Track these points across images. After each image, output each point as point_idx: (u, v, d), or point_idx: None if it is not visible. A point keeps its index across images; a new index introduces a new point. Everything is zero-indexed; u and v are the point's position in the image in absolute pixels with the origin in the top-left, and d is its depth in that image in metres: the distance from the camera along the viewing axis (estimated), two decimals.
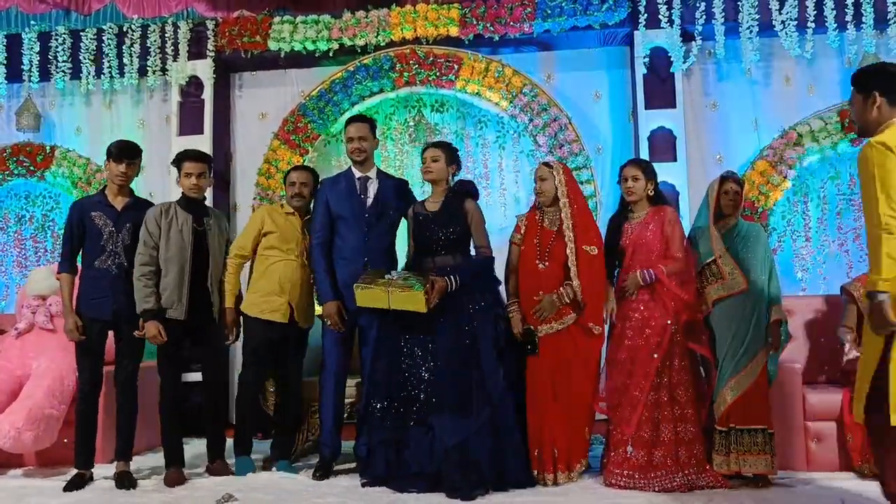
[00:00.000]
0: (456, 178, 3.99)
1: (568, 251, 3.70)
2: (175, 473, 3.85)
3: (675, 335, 3.61)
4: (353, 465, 3.97)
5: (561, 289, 3.67)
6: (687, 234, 3.91)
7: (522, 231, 3.85)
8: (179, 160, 3.98)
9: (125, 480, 3.78)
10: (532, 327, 3.69)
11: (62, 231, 6.05)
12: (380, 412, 3.69)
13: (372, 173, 4.02)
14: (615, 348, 3.72)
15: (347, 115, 5.61)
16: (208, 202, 4.33)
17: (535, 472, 3.62)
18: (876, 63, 3.39)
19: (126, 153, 3.90)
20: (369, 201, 3.95)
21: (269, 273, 3.90)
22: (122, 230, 3.87)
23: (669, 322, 3.61)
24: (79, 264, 3.97)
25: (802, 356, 4.30)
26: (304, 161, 5.60)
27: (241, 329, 4.06)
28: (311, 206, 4.10)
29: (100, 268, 3.84)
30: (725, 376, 3.62)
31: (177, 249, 3.84)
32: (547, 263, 3.75)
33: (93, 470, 3.89)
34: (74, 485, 3.76)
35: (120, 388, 3.89)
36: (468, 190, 3.97)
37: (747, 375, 3.59)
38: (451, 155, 3.94)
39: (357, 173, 3.99)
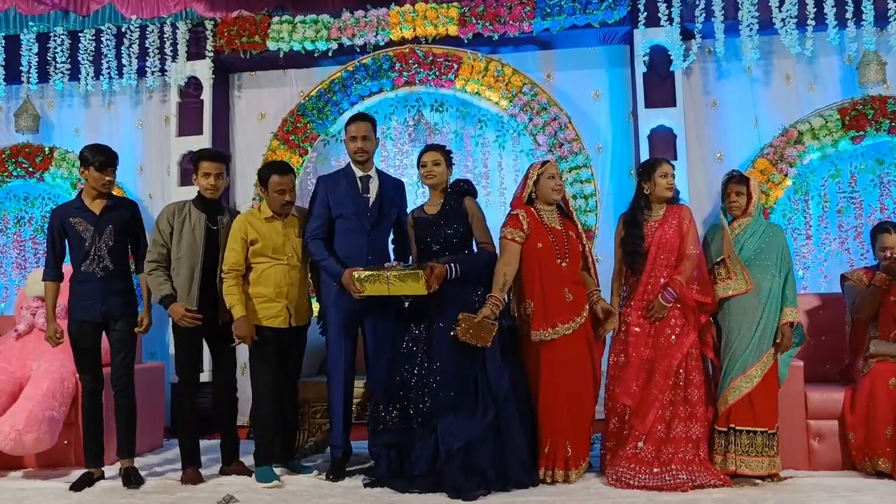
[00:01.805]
0: (451, 179, 3.99)
1: (587, 251, 3.85)
2: (193, 473, 3.85)
3: (694, 338, 3.66)
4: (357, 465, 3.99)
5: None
6: (702, 232, 3.96)
7: (525, 228, 3.77)
8: (197, 159, 3.96)
9: (132, 477, 3.77)
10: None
11: None
12: (382, 413, 3.69)
13: (372, 172, 4.00)
14: (641, 347, 3.70)
15: (347, 115, 5.63)
16: None
17: (543, 470, 3.62)
18: None
19: (112, 161, 3.89)
20: (371, 200, 3.93)
21: (263, 280, 3.81)
22: (104, 233, 3.85)
23: (692, 325, 3.66)
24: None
25: (804, 354, 4.29)
26: (303, 161, 5.60)
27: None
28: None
29: (86, 272, 3.84)
30: (729, 377, 3.62)
31: (188, 249, 3.83)
32: (567, 262, 3.75)
33: (103, 468, 3.91)
34: (83, 483, 3.76)
35: (118, 387, 3.88)
36: (466, 189, 3.95)
37: (750, 377, 3.58)
38: (450, 158, 3.96)
39: (358, 172, 3.97)
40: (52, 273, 3.90)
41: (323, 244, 3.86)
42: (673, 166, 3.90)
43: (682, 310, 3.68)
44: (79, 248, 3.84)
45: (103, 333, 3.92)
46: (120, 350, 3.88)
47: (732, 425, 3.58)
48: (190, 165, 5.71)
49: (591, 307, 3.78)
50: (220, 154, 4.08)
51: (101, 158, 3.85)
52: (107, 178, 3.86)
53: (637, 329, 3.71)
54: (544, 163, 3.94)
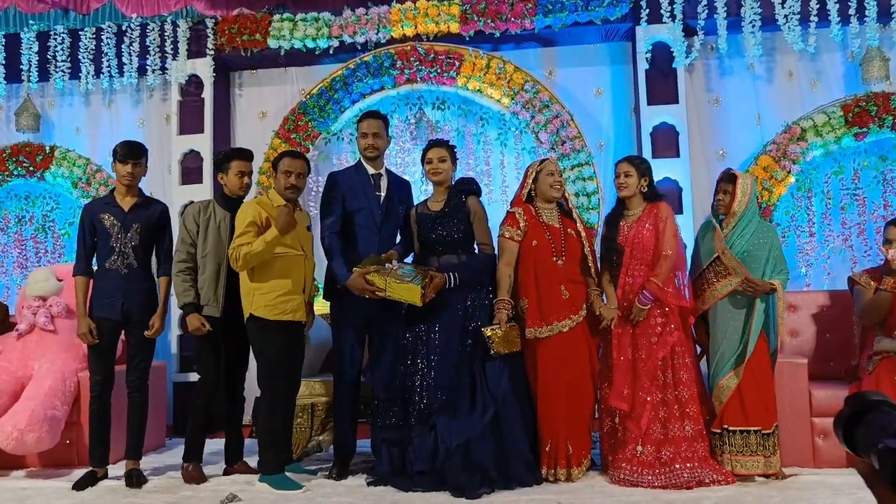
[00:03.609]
0: (455, 176, 3.98)
1: (586, 251, 3.77)
2: (195, 470, 3.83)
3: (680, 336, 3.62)
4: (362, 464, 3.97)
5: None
6: (697, 231, 3.93)
7: (522, 226, 3.76)
8: (230, 159, 3.95)
9: (134, 478, 3.77)
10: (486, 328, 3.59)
11: (63, 231, 6.08)
12: (383, 411, 3.68)
13: (383, 170, 4.00)
14: (624, 348, 3.68)
15: (349, 113, 5.63)
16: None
17: (545, 469, 3.61)
18: None
19: (131, 154, 3.90)
20: (382, 197, 3.92)
21: (281, 271, 3.68)
22: (130, 230, 3.86)
23: (672, 325, 3.62)
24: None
25: (808, 352, 4.28)
26: None
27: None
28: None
29: (110, 268, 3.84)
30: (716, 378, 3.61)
31: (213, 247, 3.82)
32: (564, 259, 3.73)
33: (107, 468, 3.89)
34: (86, 482, 3.75)
35: (132, 388, 3.88)
36: (471, 188, 3.93)
37: (734, 377, 3.57)
38: (454, 154, 3.95)
39: (370, 169, 3.96)
40: (82, 268, 3.89)
41: (339, 242, 3.82)
42: (633, 164, 3.79)
43: (663, 309, 3.63)
44: (105, 243, 3.85)
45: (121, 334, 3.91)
46: (137, 354, 3.88)
47: (726, 426, 3.57)
48: (190, 164, 5.75)
49: (589, 306, 3.76)
50: (251, 153, 4.09)
51: (123, 150, 3.89)
52: (126, 170, 3.87)
53: (619, 331, 3.68)
54: (543, 160, 3.92)
